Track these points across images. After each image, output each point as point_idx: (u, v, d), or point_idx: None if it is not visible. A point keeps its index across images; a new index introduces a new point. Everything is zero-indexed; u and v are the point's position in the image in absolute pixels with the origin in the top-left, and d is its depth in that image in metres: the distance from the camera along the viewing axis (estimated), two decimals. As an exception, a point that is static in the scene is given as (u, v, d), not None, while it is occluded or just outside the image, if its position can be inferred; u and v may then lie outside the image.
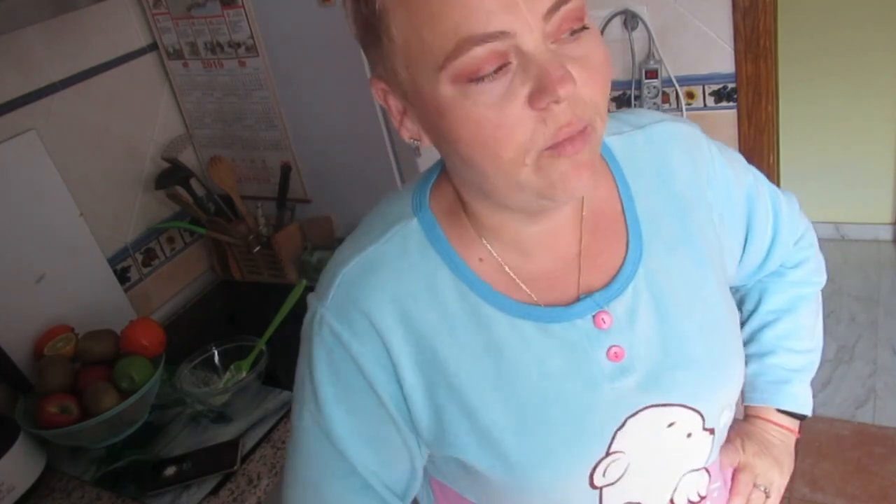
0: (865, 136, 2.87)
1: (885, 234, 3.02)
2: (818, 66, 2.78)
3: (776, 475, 0.87)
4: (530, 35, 0.52)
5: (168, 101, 1.70)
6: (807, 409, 0.88)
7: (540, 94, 0.52)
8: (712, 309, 0.71)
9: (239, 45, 1.52)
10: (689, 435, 0.70)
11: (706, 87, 1.72)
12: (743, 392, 0.89)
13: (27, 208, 1.40)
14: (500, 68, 0.52)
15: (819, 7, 2.70)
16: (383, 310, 0.64)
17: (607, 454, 0.66)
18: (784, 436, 0.88)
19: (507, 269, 0.66)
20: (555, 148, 0.55)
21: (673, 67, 1.71)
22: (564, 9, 0.52)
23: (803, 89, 2.81)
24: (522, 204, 0.61)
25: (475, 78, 0.52)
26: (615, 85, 1.80)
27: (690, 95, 1.74)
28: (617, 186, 0.70)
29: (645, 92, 1.74)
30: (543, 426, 0.65)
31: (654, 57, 1.70)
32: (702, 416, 0.70)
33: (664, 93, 1.75)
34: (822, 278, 0.91)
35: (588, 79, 0.54)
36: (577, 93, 0.53)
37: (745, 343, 0.89)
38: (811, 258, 0.90)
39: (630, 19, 1.69)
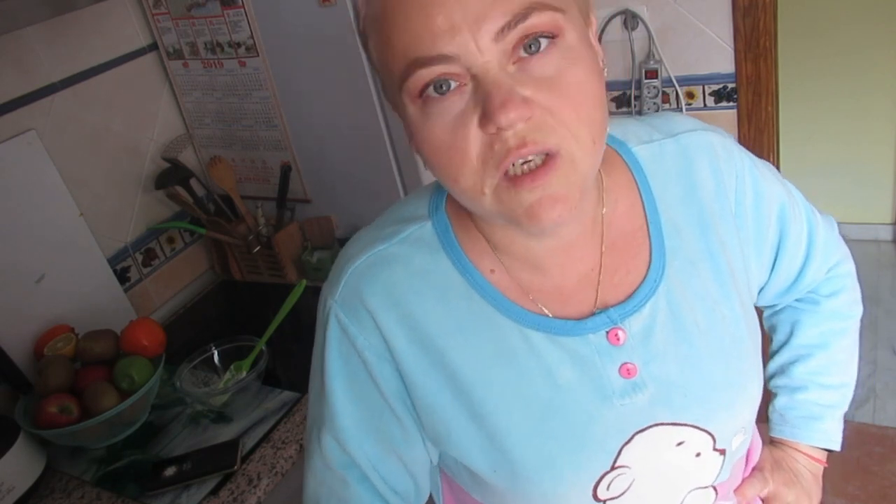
0: (865, 136, 2.86)
1: (885, 234, 3.02)
2: (818, 66, 2.78)
3: None
4: (479, 58, 0.50)
5: (168, 101, 1.70)
6: (836, 445, 0.87)
7: (484, 119, 0.51)
8: (732, 328, 0.69)
9: (239, 45, 1.52)
10: (697, 454, 0.69)
11: (706, 87, 1.72)
12: (770, 422, 0.88)
13: (27, 208, 1.40)
14: (453, 89, 0.52)
15: (819, 7, 2.70)
16: (387, 310, 0.64)
17: (612, 468, 0.66)
18: (813, 466, 0.87)
19: (519, 283, 0.65)
20: (512, 181, 0.53)
21: (673, 67, 1.71)
22: (522, 26, 0.50)
23: (803, 89, 2.80)
24: (505, 225, 0.60)
25: (425, 97, 0.53)
26: (615, 85, 1.80)
27: (690, 95, 1.74)
28: (642, 199, 0.68)
29: (645, 92, 1.74)
30: (548, 435, 0.64)
31: (654, 57, 1.70)
32: (713, 437, 0.68)
33: (664, 93, 1.74)
34: (859, 311, 0.88)
35: (555, 101, 0.51)
36: (538, 117, 0.51)
37: (775, 374, 0.88)
38: (847, 289, 0.86)
39: (630, 19, 1.69)
